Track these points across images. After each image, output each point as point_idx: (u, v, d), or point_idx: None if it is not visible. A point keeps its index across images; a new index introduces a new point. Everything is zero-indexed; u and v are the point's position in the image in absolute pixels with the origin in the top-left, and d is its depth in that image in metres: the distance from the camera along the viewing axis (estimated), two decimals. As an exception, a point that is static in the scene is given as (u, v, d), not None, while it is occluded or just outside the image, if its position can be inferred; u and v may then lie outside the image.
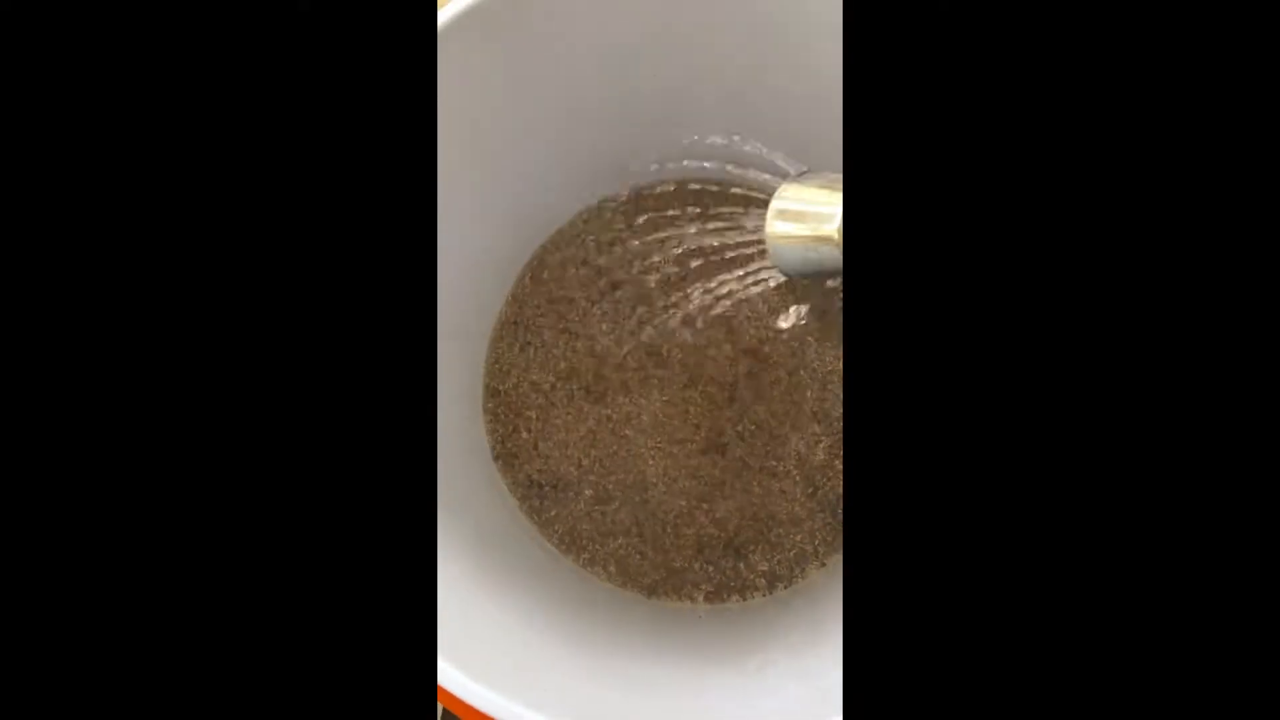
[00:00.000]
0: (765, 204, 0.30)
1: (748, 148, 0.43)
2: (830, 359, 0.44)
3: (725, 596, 0.41)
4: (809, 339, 0.44)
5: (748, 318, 0.44)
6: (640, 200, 0.46)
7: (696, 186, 0.46)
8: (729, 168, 0.45)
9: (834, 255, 0.27)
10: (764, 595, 0.40)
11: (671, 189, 0.46)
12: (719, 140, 0.43)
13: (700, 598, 0.41)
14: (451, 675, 0.26)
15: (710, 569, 0.41)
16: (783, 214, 0.30)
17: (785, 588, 0.41)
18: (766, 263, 0.33)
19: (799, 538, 0.41)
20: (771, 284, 0.39)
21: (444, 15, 0.32)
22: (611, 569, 0.41)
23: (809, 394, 0.43)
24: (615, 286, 0.45)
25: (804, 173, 0.31)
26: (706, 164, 0.45)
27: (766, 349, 0.44)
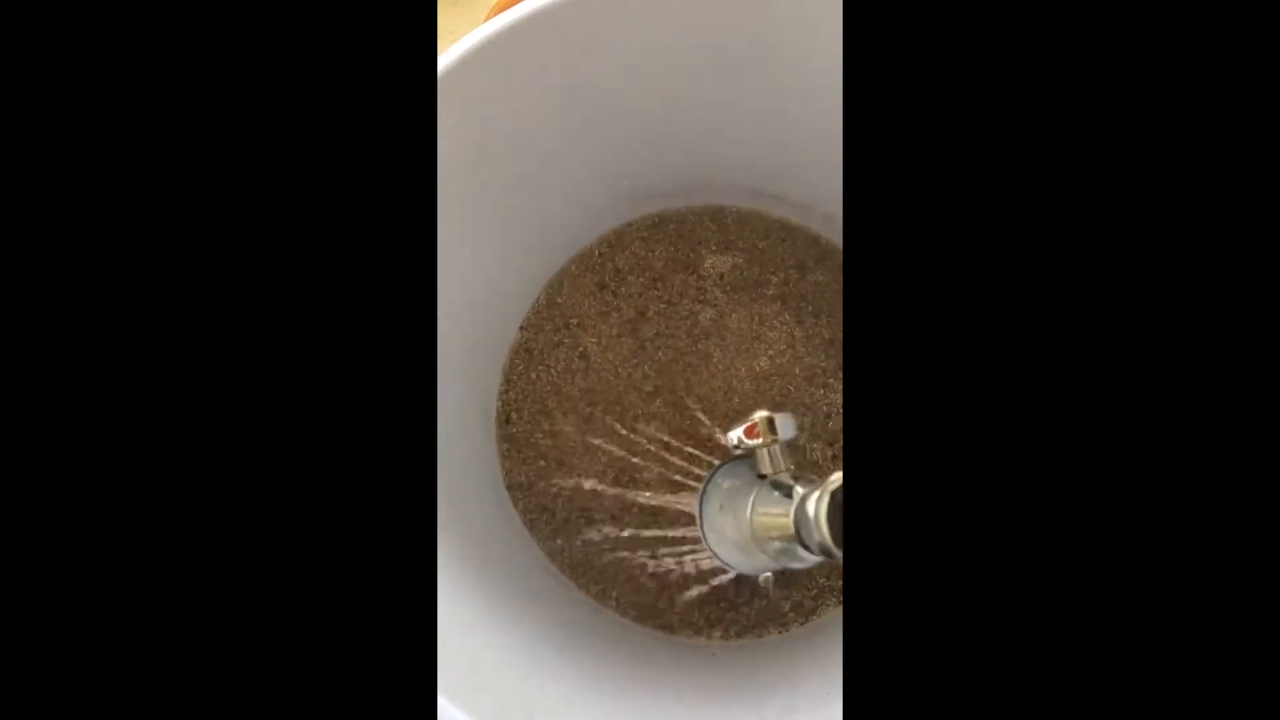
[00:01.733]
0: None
1: (773, 170, 0.43)
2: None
3: (741, 633, 0.40)
4: (830, 381, 0.43)
5: (775, 374, 0.44)
6: (663, 225, 0.46)
7: (720, 208, 0.46)
8: (755, 191, 0.45)
9: (805, 557, 0.24)
10: (780, 633, 0.39)
11: (696, 213, 0.46)
12: (745, 163, 0.43)
13: (716, 634, 0.40)
14: (454, 716, 0.25)
15: (727, 604, 0.40)
16: (716, 519, 0.25)
17: (802, 625, 0.40)
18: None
19: (820, 577, 0.40)
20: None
21: (474, 36, 0.31)
22: (626, 601, 0.40)
23: (831, 432, 0.43)
24: (635, 314, 0.44)
25: (736, 458, 0.28)
26: (732, 188, 0.45)
27: (790, 388, 0.43)
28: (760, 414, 0.28)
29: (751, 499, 0.25)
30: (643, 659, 0.37)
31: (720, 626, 0.40)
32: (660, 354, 0.44)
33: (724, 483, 0.27)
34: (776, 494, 0.24)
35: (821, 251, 0.45)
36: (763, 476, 0.26)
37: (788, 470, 0.25)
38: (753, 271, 0.45)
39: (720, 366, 0.43)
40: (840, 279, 0.45)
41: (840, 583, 0.40)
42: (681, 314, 0.44)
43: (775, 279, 0.45)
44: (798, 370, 0.43)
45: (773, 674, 0.36)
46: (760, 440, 0.26)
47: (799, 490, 0.23)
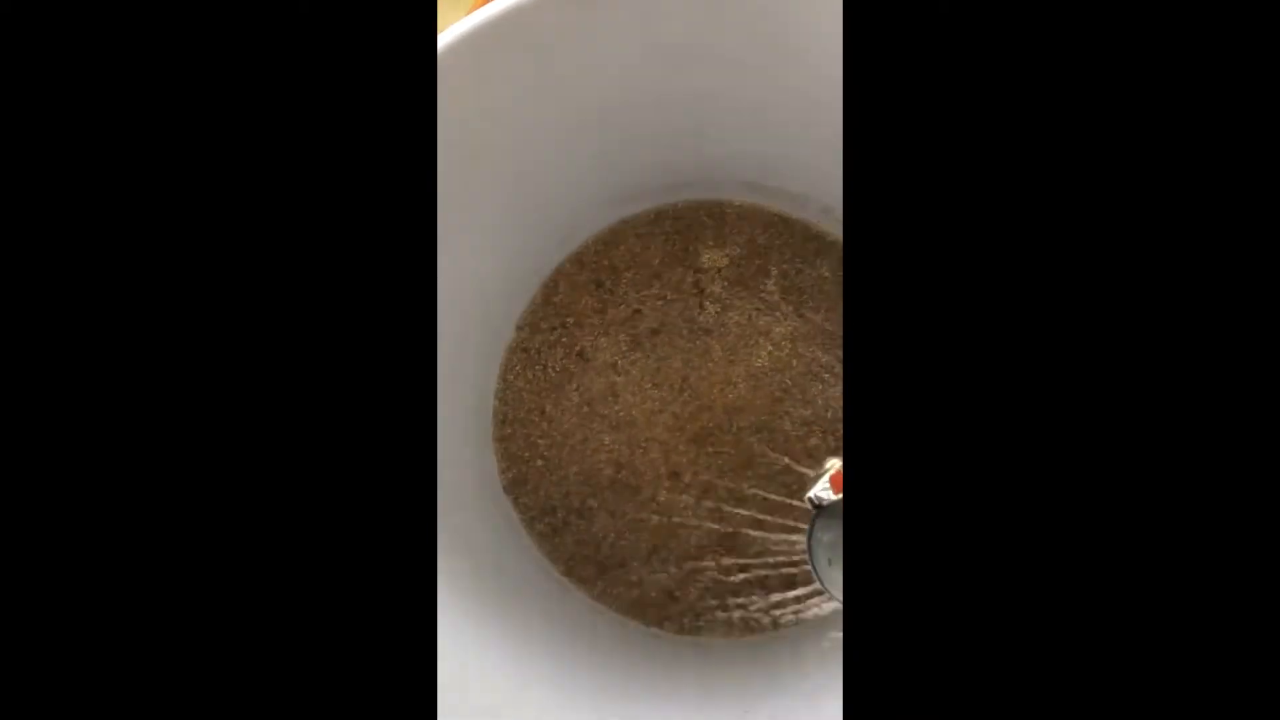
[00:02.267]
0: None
1: (768, 163, 0.42)
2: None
3: (735, 631, 0.39)
4: (827, 376, 0.43)
5: (778, 369, 0.43)
6: (659, 221, 0.45)
7: (717, 203, 0.45)
8: (751, 185, 0.44)
9: None
10: (773, 629, 0.39)
11: (693, 208, 0.45)
12: (740, 157, 0.42)
13: (715, 631, 0.39)
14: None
15: (725, 603, 0.40)
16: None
17: (794, 624, 0.39)
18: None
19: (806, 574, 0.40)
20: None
21: (461, 27, 0.31)
22: (624, 601, 0.40)
23: (828, 421, 0.42)
24: (632, 311, 0.44)
25: (822, 508, 0.28)
26: (729, 182, 0.44)
27: (788, 382, 0.43)
28: (835, 462, 0.27)
29: None
30: (640, 658, 0.37)
31: (719, 622, 0.39)
32: (660, 350, 0.43)
33: (824, 537, 0.27)
34: None
35: (820, 245, 0.44)
36: None
37: None
38: (752, 266, 0.44)
39: (721, 362, 0.43)
40: (839, 273, 0.44)
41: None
42: (680, 310, 0.44)
43: (775, 272, 0.44)
44: (796, 364, 0.43)
45: (768, 670, 0.36)
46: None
47: None
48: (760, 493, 0.41)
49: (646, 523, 0.41)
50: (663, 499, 0.41)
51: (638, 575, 0.40)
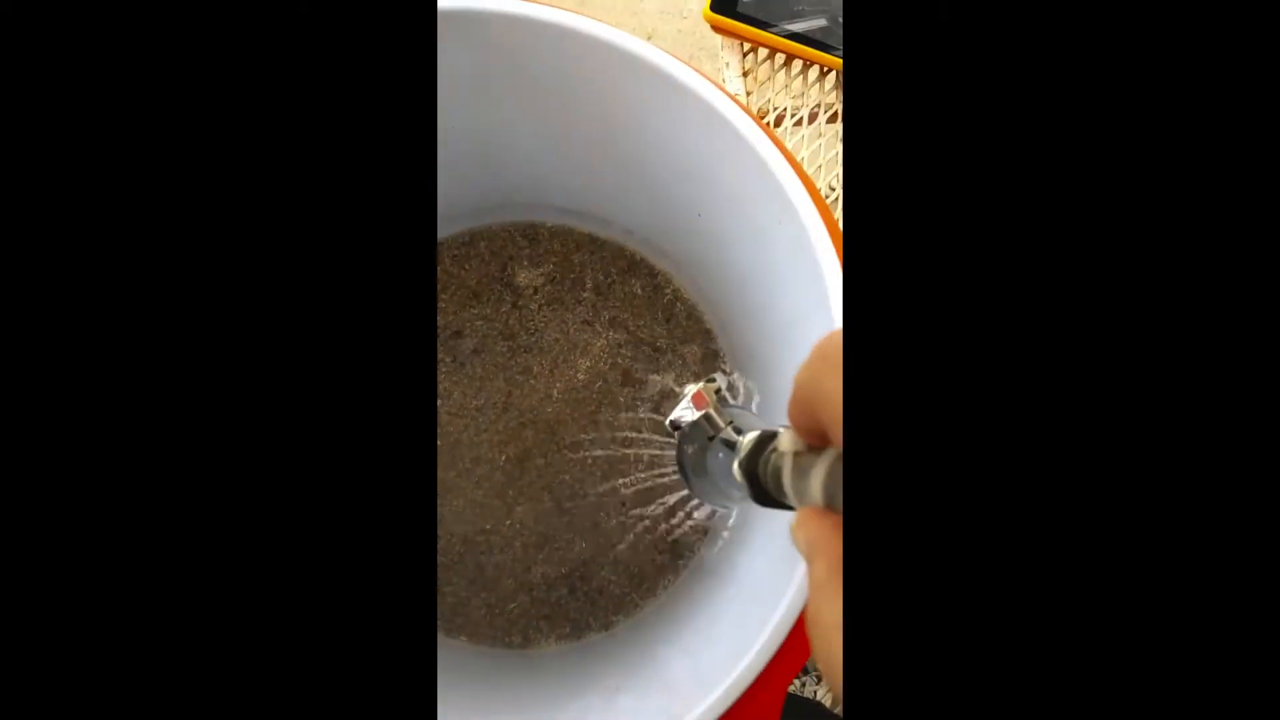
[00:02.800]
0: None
1: (573, 190, 0.44)
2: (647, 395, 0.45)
3: (565, 636, 0.41)
4: (629, 390, 0.45)
5: (598, 382, 0.45)
6: (474, 244, 0.46)
7: (531, 224, 0.47)
8: (560, 209, 0.46)
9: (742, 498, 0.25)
10: (602, 633, 0.41)
11: (508, 229, 0.47)
12: (546, 183, 0.44)
13: (547, 641, 0.41)
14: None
15: (554, 611, 0.41)
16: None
17: (624, 621, 0.42)
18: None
19: (628, 578, 0.42)
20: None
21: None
22: (450, 623, 0.41)
23: (648, 436, 0.45)
24: (452, 333, 0.45)
25: (686, 422, 0.30)
26: (540, 205, 0.46)
27: (605, 391, 0.45)
28: (692, 388, 0.30)
29: (716, 456, 0.28)
30: (467, 677, 0.38)
31: (547, 629, 0.41)
32: (479, 369, 0.44)
33: (689, 449, 0.30)
34: (725, 450, 0.27)
35: (629, 262, 0.46)
36: (710, 438, 0.29)
37: (729, 425, 0.28)
38: (566, 283, 0.46)
39: (542, 377, 0.45)
40: (648, 285, 0.46)
41: (648, 587, 0.42)
42: (500, 329, 0.45)
43: (590, 285, 0.46)
44: (613, 375, 0.45)
45: (598, 672, 0.38)
46: (710, 406, 0.29)
47: (743, 443, 0.25)
48: (582, 525, 0.43)
49: (472, 542, 0.42)
50: (489, 519, 0.43)
51: (464, 594, 0.41)
